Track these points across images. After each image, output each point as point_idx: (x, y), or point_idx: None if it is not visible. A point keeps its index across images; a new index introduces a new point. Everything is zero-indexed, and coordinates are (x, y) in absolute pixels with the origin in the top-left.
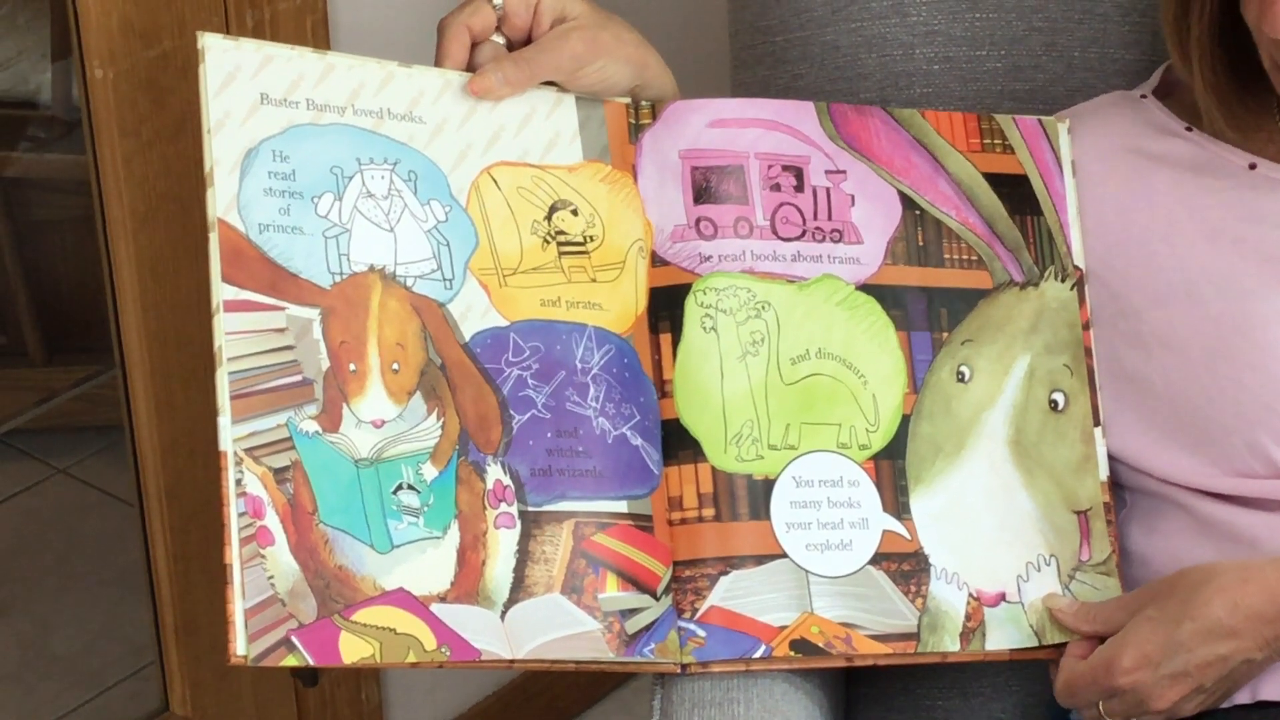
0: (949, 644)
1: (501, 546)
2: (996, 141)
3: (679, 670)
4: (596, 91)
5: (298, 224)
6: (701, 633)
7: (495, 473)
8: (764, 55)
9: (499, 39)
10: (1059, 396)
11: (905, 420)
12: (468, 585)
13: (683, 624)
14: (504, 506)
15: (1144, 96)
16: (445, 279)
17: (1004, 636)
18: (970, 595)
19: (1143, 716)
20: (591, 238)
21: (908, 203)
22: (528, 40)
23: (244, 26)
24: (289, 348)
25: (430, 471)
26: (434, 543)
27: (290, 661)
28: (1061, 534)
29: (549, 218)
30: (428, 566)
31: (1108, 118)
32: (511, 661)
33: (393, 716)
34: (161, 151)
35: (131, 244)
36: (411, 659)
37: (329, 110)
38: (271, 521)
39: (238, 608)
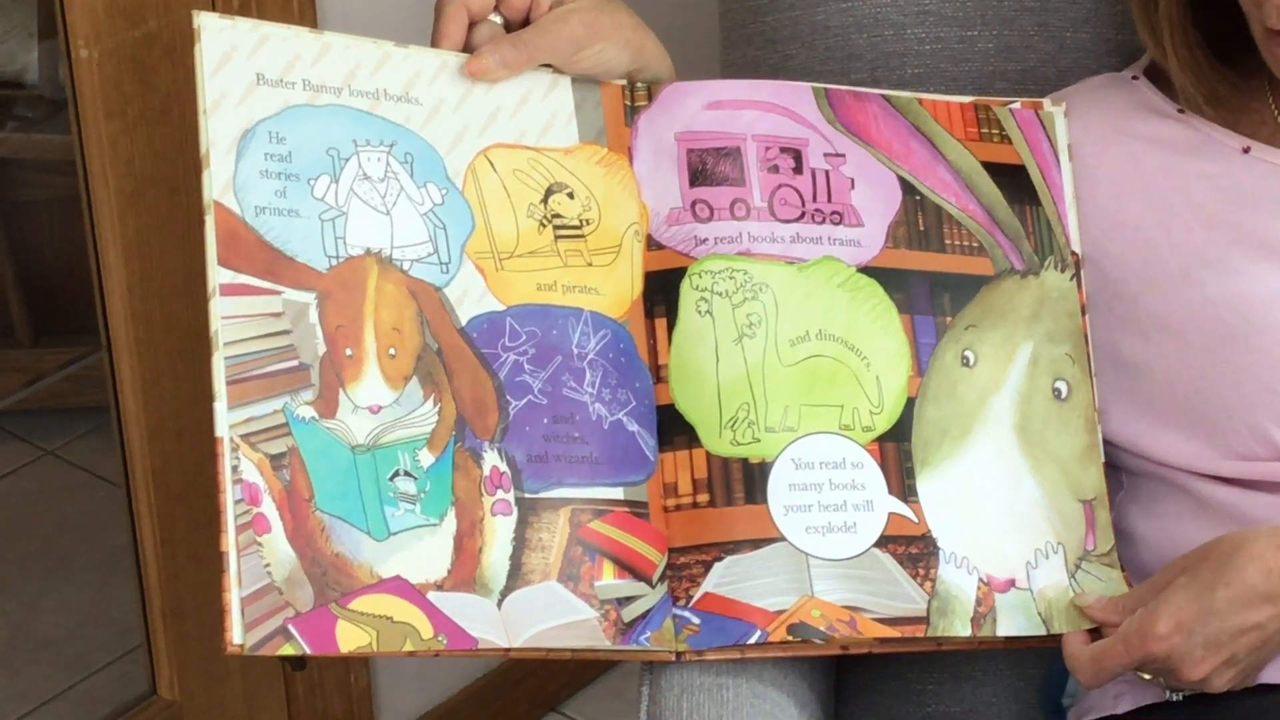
0: (960, 628)
1: (498, 534)
2: (994, 131)
3: (674, 658)
4: (593, 74)
5: (294, 206)
6: (696, 620)
7: (492, 459)
8: (754, 35)
9: (496, 19)
10: (1062, 385)
11: (910, 402)
12: (465, 573)
13: (677, 611)
14: (500, 493)
15: (1135, 78)
16: (442, 262)
17: (1013, 623)
18: (980, 580)
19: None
20: (587, 221)
21: (907, 188)
22: (525, 21)
23: (231, 6)
24: (285, 332)
25: (427, 458)
26: (431, 530)
27: (287, 650)
28: (1068, 522)
29: (545, 200)
30: (424, 554)
31: (1099, 100)
32: (507, 650)
33: (381, 700)
34: (147, 133)
35: (117, 225)
36: (408, 647)
37: (325, 91)
38: (268, 508)
39: (234, 596)
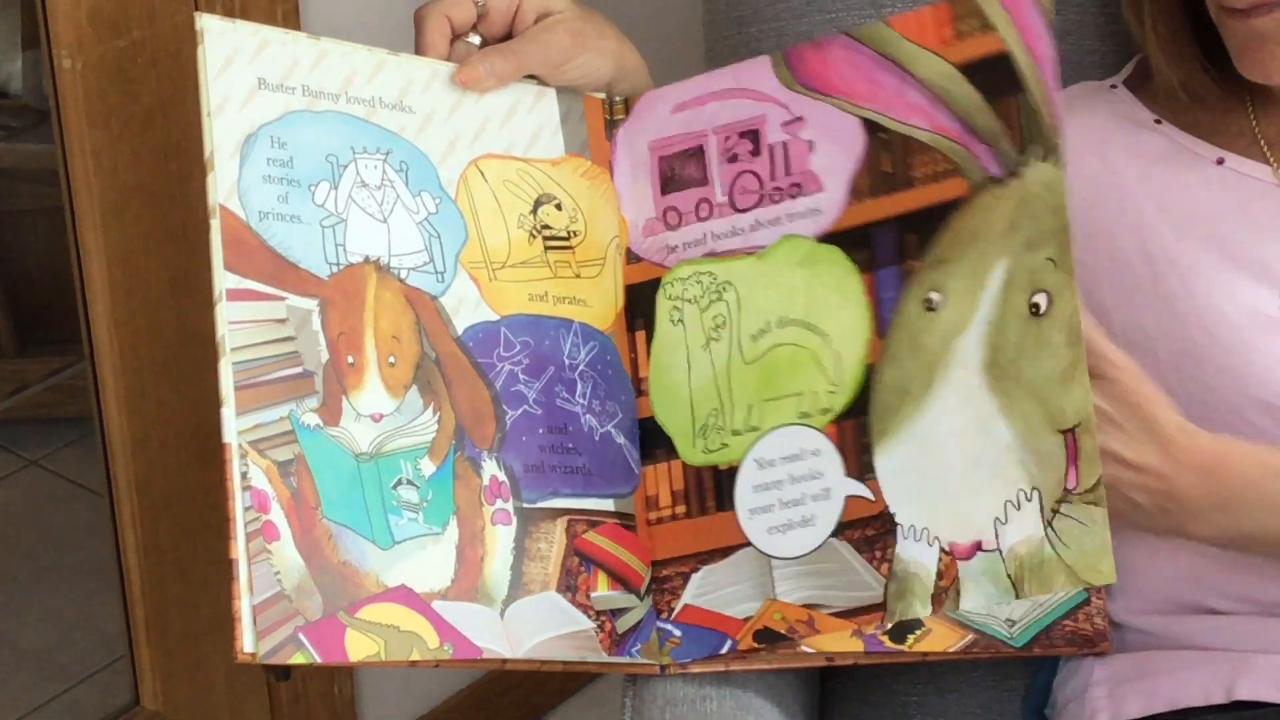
0: (919, 609)
1: (499, 543)
2: (973, 24)
3: (659, 671)
4: (578, 85)
5: (296, 212)
6: (677, 633)
7: (491, 468)
8: (738, 46)
9: (474, 39)
10: (1041, 299)
11: (870, 370)
12: (468, 582)
13: (661, 624)
14: (500, 503)
15: (1114, 86)
16: (437, 271)
17: (980, 594)
18: (942, 550)
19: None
20: (575, 233)
21: (872, 128)
22: (505, 38)
23: (214, 10)
24: (290, 339)
25: (428, 467)
26: (434, 539)
27: (298, 659)
28: (1045, 461)
29: (534, 211)
30: (428, 563)
31: (1077, 108)
32: (504, 661)
33: (365, 711)
34: (131, 143)
35: (100, 236)
36: (415, 656)
37: (324, 97)
38: (276, 516)
39: (244, 603)
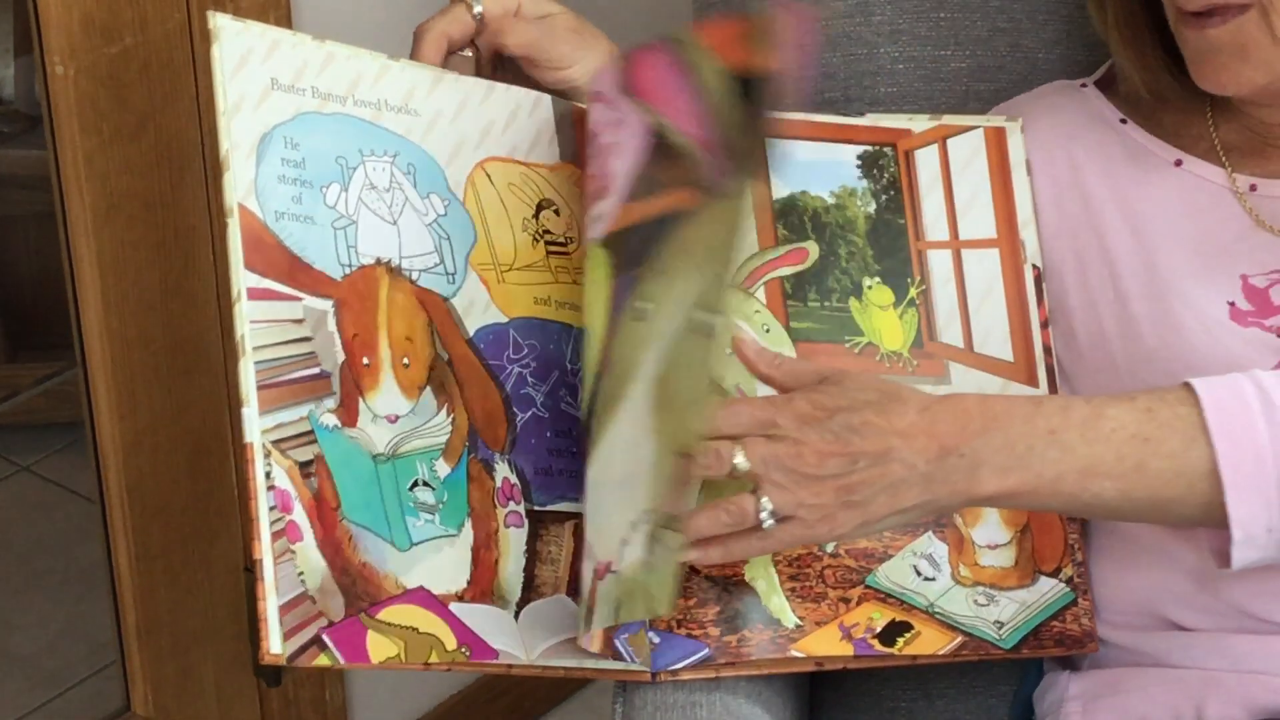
0: (583, 628)
1: (512, 545)
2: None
3: (650, 679)
4: (576, 87)
5: (310, 213)
6: (656, 639)
7: (503, 470)
8: None
9: (467, 53)
10: (713, 319)
11: (598, 378)
12: (483, 584)
13: (650, 630)
14: (512, 505)
15: (1084, 85)
16: (448, 273)
17: (600, 615)
18: (595, 569)
19: (779, 500)
20: (571, 239)
21: (654, 132)
22: (498, 55)
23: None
24: (307, 339)
25: (443, 468)
26: (450, 540)
27: (323, 661)
28: (665, 482)
29: (536, 215)
30: (445, 565)
31: (1048, 107)
32: (510, 667)
33: (356, 717)
34: (122, 149)
35: (92, 241)
36: (434, 659)
37: (332, 99)
38: (299, 516)
39: (271, 604)
